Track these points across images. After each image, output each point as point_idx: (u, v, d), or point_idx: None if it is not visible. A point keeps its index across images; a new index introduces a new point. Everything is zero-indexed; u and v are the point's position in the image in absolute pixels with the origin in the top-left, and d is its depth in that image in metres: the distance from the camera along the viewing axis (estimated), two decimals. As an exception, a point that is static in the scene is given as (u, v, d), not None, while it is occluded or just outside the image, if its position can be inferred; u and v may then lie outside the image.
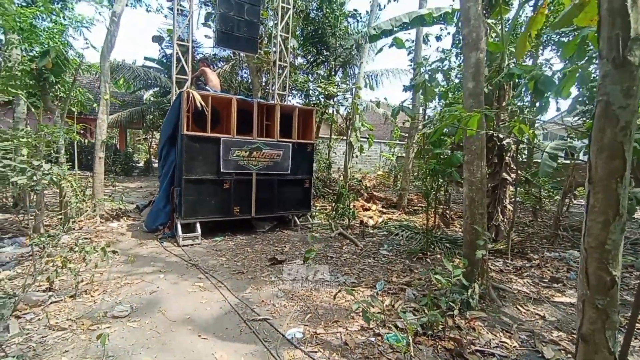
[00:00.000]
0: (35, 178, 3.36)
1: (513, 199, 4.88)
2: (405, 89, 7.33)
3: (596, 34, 1.18)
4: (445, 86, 6.41)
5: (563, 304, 3.38)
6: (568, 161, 6.35)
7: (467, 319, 2.93)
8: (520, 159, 8.45)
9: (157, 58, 12.61)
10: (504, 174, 4.90)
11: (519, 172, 5.50)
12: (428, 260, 4.65)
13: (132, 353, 2.33)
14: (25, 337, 2.46)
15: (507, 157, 4.93)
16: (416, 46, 8.42)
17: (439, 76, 5.27)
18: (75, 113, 7.01)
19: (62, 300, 2.96)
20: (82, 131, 5.73)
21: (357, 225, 6.68)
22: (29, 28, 4.50)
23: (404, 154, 22.50)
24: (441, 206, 6.44)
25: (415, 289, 3.57)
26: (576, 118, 6.41)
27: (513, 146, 5.00)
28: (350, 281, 3.84)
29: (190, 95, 4.80)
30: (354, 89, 7.09)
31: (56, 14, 5.19)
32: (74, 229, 5.08)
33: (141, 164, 15.52)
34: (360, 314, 2.63)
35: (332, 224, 6.51)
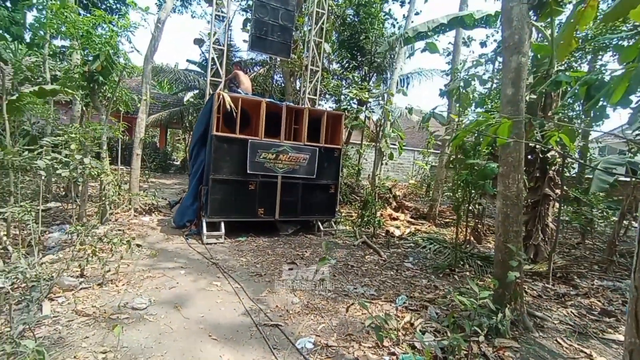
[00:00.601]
0: (77, 171, 3.62)
1: (557, 217, 4.42)
2: (441, 93, 7.03)
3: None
4: (485, 93, 6.04)
5: (615, 343, 2.96)
6: (628, 179, 5.66)
7: (495, 347, 2.66)
8: (569, 174, 7.71)
9: (198, 61, 13.29)
10: (547, 189, 4.46)
11: (565, 188, 4.99)
12: (456, 277, 4.34)
13: (144, 346, 2.37)
14: (54, 319, 2.60)
15: (551, 171, 4.50)
16: (455, 51, 8.06)
17: (477, 82, 4.96)
18: (122, 112, 7.54)
19: (90, 287, 3.12)
20: (124, 130, 6.11)
21: (383, 234, 6.45)
22: (86, 34, 4.90)
23: (437, 163, 21.65)
24: (473, 220, 6.04)
25: (438, 308, 3.32)
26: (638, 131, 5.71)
27: (559, 159, 4.55)
28: (370, 293, 3.67)
29: (221, 96, 4.94)
30: (386, 95, 6.91)
31: (114, 23, 5.55)
32: (109, 220, 5.41)
33: (178, 162, 16.36)
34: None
35: (357, 231, 6.34)
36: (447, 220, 8.58)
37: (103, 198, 5.04)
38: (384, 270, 4.47)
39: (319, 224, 6.12)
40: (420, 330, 2.80)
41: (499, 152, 3.41)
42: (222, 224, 5.17)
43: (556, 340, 2.91)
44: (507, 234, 2.96)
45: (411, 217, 8.62)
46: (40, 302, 2.80)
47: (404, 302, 3.42)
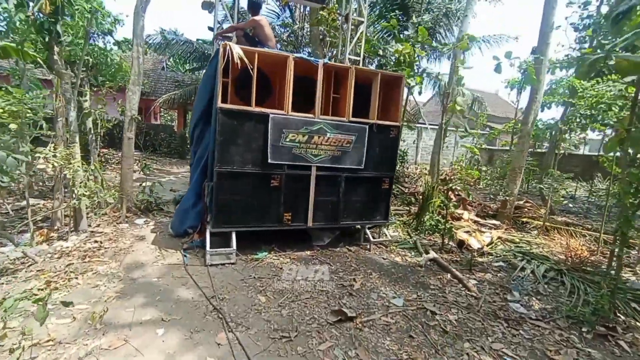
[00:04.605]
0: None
1: None
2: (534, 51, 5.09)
3: None
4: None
5: None
6: None
7: None
8: None
9: (210, 40, 11.55)
10: None
11: None
12: (622, 343, 2.53)
13: None
14: None
15: None
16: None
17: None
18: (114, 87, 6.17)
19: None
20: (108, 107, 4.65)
21: (454, 245, 4.67)
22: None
23: (486, 146, 19.05)
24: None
25: None
26: None
27: None
28: (489, 389, 1.98)
29: (228, 49, 3.27)
30: (455, 51, 4.96)
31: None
32: (87, 227, 4.04)
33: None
34: None
35: (417, 241, 4.61)
36: (525, 219, 6.59)
37: (71, 198, 3.64)
38: (486, 322, 2.74)
39: (367, 230, 4.44)
40: None
41: None
42: (234, 236, 3.63)
43: None
44: None
45: (476, 215, 6.74)
46: None
47: None
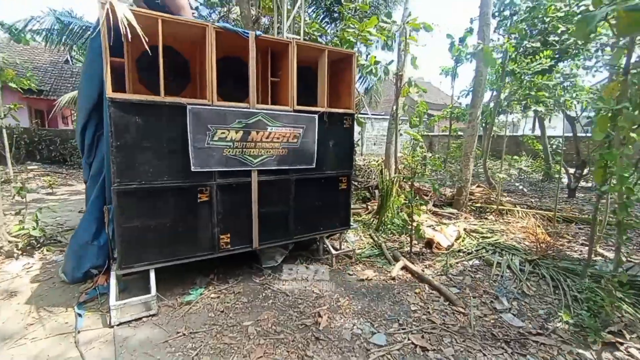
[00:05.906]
0: None
1: None
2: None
3: None
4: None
5: None
6: None
7: None
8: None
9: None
10: None
11: None
12: (633, 350, 2.19)
13: None
14: None
15: None
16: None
17: None
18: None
19: None
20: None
21: (422, 246, 4.22)
22: None
23: (429, 133, 19.75)
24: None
25: None
26: None
27: None
28: None
29: (108, 8, 2.22)
30: (404, 27, 4.45)
31: None
32: None
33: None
34: None
35: (383, 245, 4.06)
36: (479, 205, 6.52)
37: None
38: (487, 350, 2.22)
39: (326, 241, 3.74)
40: None
41: None
42: (152, 275, 2.64)
43: None
44: None
45: (434, 205, 6.50)
46: None
47: None
